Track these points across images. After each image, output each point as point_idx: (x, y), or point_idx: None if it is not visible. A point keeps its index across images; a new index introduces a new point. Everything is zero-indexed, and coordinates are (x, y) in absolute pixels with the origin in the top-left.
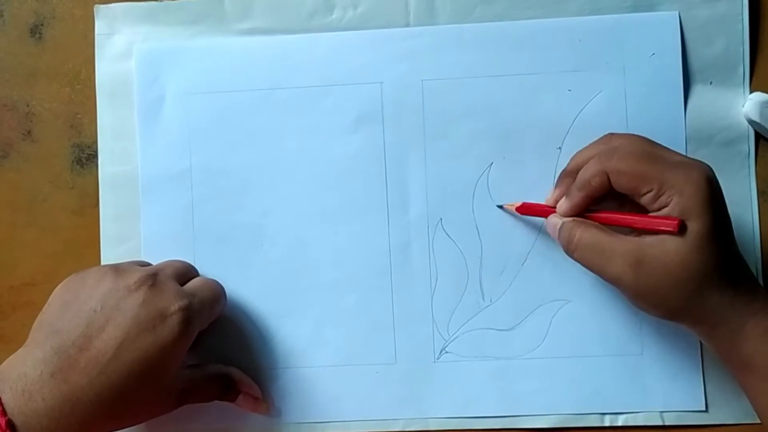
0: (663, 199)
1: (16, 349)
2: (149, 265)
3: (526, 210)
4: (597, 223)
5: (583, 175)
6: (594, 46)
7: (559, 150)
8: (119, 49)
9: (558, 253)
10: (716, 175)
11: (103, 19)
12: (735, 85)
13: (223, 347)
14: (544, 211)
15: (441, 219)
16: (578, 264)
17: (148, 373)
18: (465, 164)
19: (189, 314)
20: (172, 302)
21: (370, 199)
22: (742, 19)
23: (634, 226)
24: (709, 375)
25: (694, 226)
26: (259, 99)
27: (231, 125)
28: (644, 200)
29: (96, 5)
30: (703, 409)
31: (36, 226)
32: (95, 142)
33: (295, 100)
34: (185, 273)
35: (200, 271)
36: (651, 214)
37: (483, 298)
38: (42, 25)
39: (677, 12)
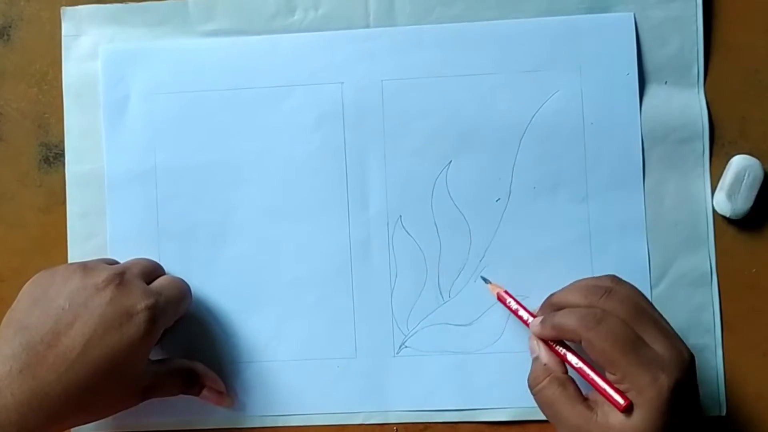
0: (622, 387)
1: None
2: (117, 263)
3: (502, 300)
4: (564, 378)
5: (560, 320)
6: (551, 46)
7: (517, 148)
8: (85, 50)
9: (515, 249)
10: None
11: (69, 21)
12: (689, 84)
13: (187, 342)
14: (515, 311)
15: (401, 216)
16: (536, 259)
17: (114, 369)
18: (424, 162)
19: (155, 313)
20: (139, 301)
21: (331, 196)
22: (696, 19)
23: (590, 383)
24: None
25: (640, 427)
26: (223, 99)
27: (195, 124)
28: (607, 375)
29: (63, 7)
30: None
31: (4, 223)
32: (62, 141)
33: (258, 100)
34: (152, 271)
35: (165, 268)
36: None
37: (441, 294)
38: (10, 27)
39: (632, 13)
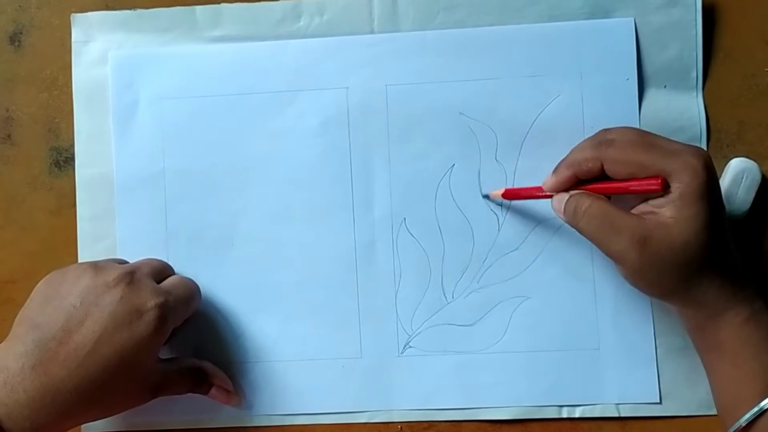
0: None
1: None
2: (127, 263)
3: (511, 195)
4: (602, 196)
5: (575, 156)
6: (552, 51)
7: (519, 151)
8: (95, 55)
9: (516, 251)
10: None
11: (79, 27)
12: (688, 88)
13: (196, 342)
14: (528, 193)
15: (405, 219)
16: (537, 261)
17: (124, 366)
18: (428, 166)
19: (164, 311)
20: (149, 299)
21: (337, 199)
22: (696, 24)
23: (622, 191)
24: (663, 369)
25: (694, 211)
26: (230, 103)
27: (203, 129)
28: None
29: (72, 14)
30: (657, 401)
31: (16, 225)
32: (72, 145)
33: (264, 104)
34: (162, 271)
35: (174, 270)
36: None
37: (445, 295)
38: (21, 33)
39: (632, 18)
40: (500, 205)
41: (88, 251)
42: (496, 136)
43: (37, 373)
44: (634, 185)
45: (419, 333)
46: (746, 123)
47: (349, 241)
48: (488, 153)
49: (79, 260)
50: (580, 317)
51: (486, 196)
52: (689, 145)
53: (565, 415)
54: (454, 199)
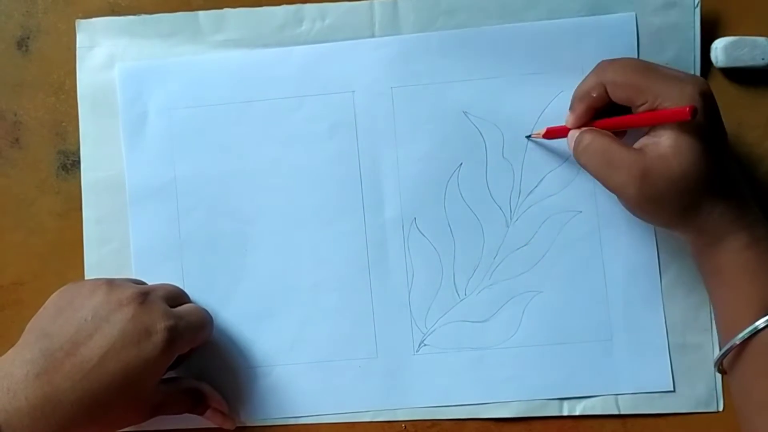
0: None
1: (5, 345)
2: (144, 284)
3: (551, 134)
4: (608, 132)
5: (582, 87)
6: (554, 48)
7: (525, 147)
8: (100, 60)
9: (527, 246)
10: None
11: (84, 33)
12: None
13: (213, 349)
14: (564, 130)
15: (415, 219)
16: (548, 255)
17: (128, 384)
18: (436, 166)
19: (173, 335)
20: (159, 321)
21: (347, 202)
22: (694, 26)
23: (648, 123)
24: (675, 357)
25: (692, 139)
26: (238, 111)
27: (212, 137)
28: (638, 110)
29: (77, 20)
30: (671, 389)
31: (24, 228)
32: (79, 149)
33: (272, 111)
34: (177, 297)
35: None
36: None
37: (458, 292)
38: (28, 38)
39: (633, 13)
40: (509, 202)
41: (94, 254)
42: (502, 134)
43: (40, 381)
44: (661, 115)
45: (434, 331)
46: (744, 124)
47: (360, 242)
48: (495, 150)
49: (85, 263)
50: (591, 309)
51: (528, 137)
52: (688, 74)
53: (566, 412)
54: (463, 198)
